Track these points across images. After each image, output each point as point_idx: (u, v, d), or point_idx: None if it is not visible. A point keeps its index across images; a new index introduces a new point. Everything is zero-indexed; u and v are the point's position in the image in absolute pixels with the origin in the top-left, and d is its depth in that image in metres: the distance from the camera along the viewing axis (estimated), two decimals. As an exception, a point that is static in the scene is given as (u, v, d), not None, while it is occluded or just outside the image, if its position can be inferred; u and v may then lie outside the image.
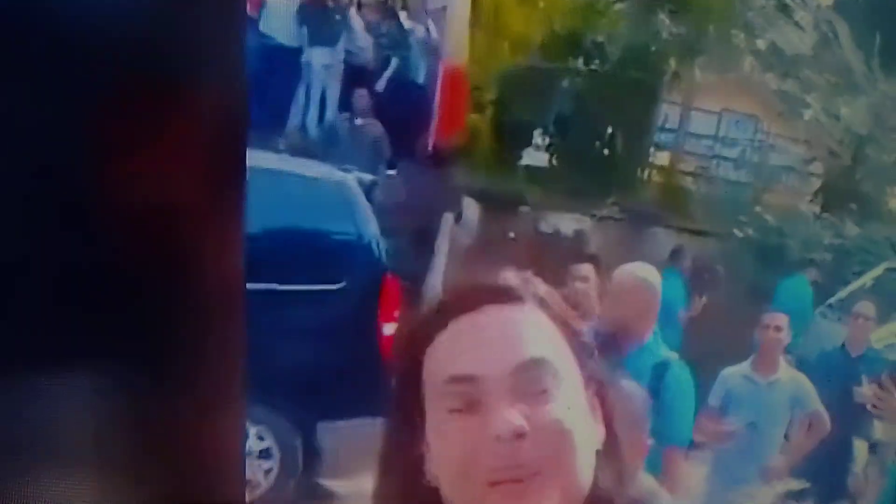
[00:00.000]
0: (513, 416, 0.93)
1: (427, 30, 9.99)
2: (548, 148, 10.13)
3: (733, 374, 4.97)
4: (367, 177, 6.77)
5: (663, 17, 10.51)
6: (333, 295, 6.13)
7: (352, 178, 6.56)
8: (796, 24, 10.73)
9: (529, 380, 0.95)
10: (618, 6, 11.07)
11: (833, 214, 9.72)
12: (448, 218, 8.57)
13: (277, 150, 8.32)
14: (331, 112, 9.35)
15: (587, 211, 9.05)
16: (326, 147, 8.90)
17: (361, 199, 6.41)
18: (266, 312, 6.39)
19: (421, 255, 8.42)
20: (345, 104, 9.34)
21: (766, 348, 4.92)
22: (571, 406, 0.96)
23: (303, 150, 8.80)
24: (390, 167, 9.07)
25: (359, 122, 8.96)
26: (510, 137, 9.81)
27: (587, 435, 0.97)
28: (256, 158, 6.17)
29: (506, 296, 0.98)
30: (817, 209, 10.08)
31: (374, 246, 6.32)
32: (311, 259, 6.24)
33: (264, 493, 5.86)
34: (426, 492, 0.99)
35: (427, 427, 0.99)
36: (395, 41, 9.84)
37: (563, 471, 0.95)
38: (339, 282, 6.18)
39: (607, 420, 1.00)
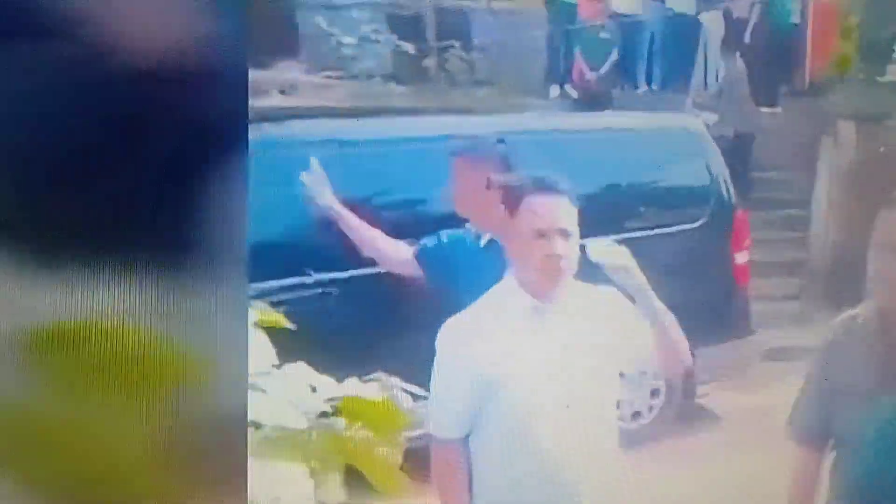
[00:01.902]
0: None
1: None
2: (909, 59, 11.68)
3: None
4: (713, 118, 7.42)
5: None
6: (693, 233, 6.55)
7: (700, 122, 7.03)
8: None
9: None
10: None
11: None
12: (826, 142, 10.37)
13: (685, 110, 10.64)
14: (719, 66, 11.38)
15: None
16: (718, 98, 11.04)
17: (710, 140, 6.85)
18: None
19: (804, 181, 10.35)
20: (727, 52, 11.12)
21: None
22: None
23: (705, 105, 11.12)
24: (771, 105, 11.01)
25: (736, 69, 10.70)
26: (873, 56, 11.37)
27: None
28: (603, 121, 7.24)
29: None
30: None
31: (723, 184, 6.76)
32: (673, 203, 6.67)
33: (650, 422, 6.40)
34: None
35: None
36: None
37: None
38: (697, 220, 6.62)
39: None
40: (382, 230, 3.95)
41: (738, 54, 10.91)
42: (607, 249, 2.76)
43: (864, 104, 10.53)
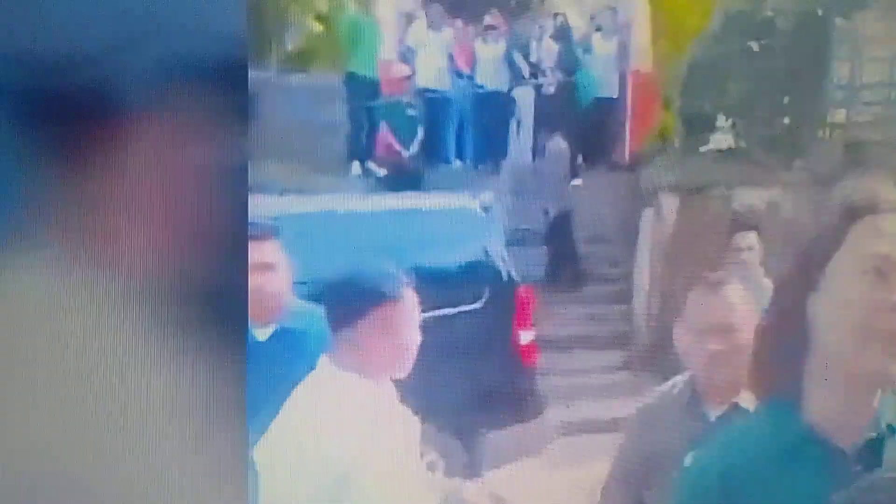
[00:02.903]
0: None
1: (618, 45, 11.34)
2: (731, 128, 11.28)
3: None
4: (489, 197, 7.07)
5: (828, -23, 11.24)
6: (475, 314, 6.38)
7: (476, 202, 6.95)
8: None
9: None
10: (783, -22, 11.89)
11: None
12: (648, 213, 9.98)
13: (500, 188, 10.04)
14: (531, 140, 10.96)
15: (775, 181, 10.10)
16: (540, 172, 10.56)
17: (486, 219, 6.82)
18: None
19: (626, 253, 9.96)
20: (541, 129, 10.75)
21: None
22: None
23: (523, 180, 10.54)
24: (574, 177, 10.45)
25: (550, 143, 10.14)
26: (696, 126, 11.01)
27: None
28: (386, 202, 7.20)
29: None
30: None
31: (501, 262, 6.70)
32: (452, 284, 6.39)
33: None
34: (802, 329, 1.31)
35: (829, 287, 1.29)
36: (580, 61, 11.29)
37: None
38: (477, 301, 6.48)
39: None
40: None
41: (557, 132, 10.21)
42: None
43: (687, 175, 10.09)
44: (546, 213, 9.79)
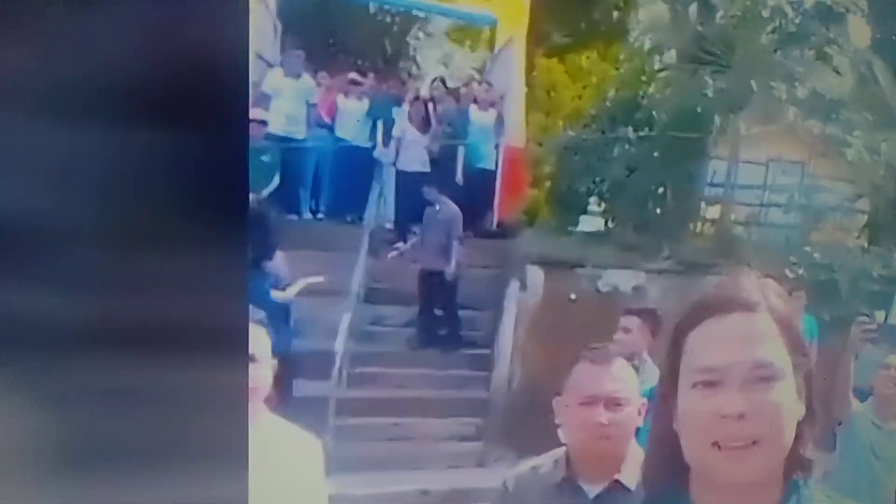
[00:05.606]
0: (738, 403, 1.22)
1: (495, 117, 10.69)
2: (603, 213, 10.80)
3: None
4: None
5: (707, 78, 10.97)
6: None
7: None
8: (834, 69, 11.19)
9: (758, 375, 1.23)
10: (664, 73, 11.68)
11: (881, 247, 10.21)
12: (514, 284, 9.33)
13: (358, 246, 9.23)
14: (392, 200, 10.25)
15: (643, 267, 9.62)
16: (406, 232, 9.83)
17: None
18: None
19: (491, 320, 9.24)
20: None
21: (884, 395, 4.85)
22: (784, 393, 1.24)
23: (382, 239, 9.76)
24: (460, 243, 9.80)
25: (437, 207, 9.32)
26: (567, 206, 10.51)
27: (793, 413, 1.25)
28: None
29: (747, 305, 1.27)
30: (865, 243, 10.55)
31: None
32: None
33: None
34: (671, 435, 1.29)
35: (678, 395, 1.27)
36: (462, 130, 10.64)
37: (772, 442, 1.22)
38: None
39: (808, 400, 1.29)
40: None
41: (445, 195, 9.32)
42: None
43: (555, 251, 9.47)
44: (437, 273, 8.96)
